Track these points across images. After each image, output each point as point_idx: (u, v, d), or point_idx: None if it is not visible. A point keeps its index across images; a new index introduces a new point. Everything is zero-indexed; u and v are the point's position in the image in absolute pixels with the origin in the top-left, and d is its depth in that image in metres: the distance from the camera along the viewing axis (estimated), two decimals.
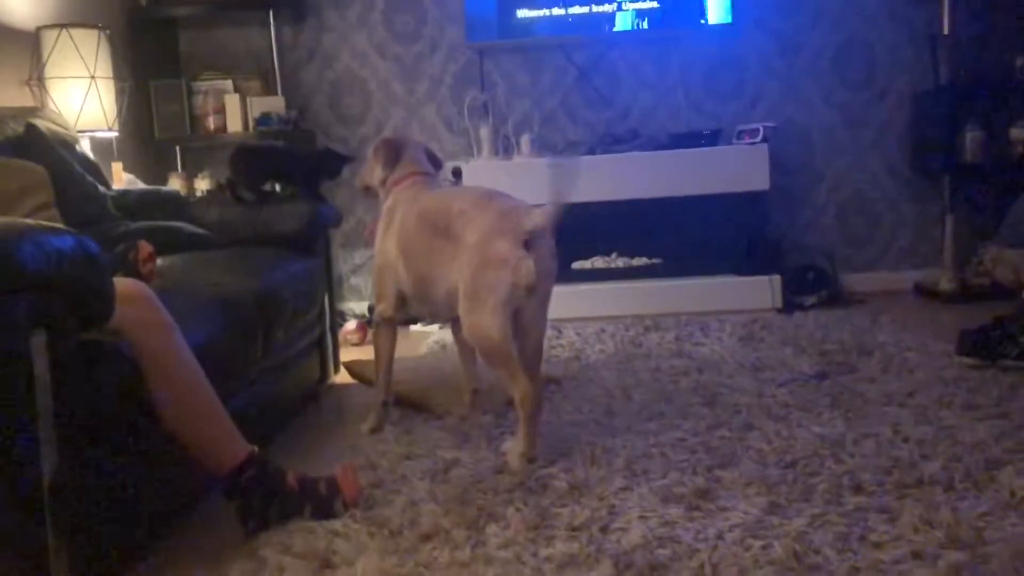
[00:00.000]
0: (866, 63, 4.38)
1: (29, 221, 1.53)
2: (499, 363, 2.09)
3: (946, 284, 4.10)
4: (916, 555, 1.53)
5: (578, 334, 3.57)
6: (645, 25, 4.25)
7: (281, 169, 3.19)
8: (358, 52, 4.52)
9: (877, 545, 1.58)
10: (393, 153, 2.56)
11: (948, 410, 2.30)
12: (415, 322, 4.07)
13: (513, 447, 2.13)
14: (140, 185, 3.40)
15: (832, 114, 4.41)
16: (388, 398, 2.56)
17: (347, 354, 3.44)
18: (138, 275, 2.03)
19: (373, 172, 2.60)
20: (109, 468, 1.63)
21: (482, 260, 2.07)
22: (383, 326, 2.52)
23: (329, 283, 3.20)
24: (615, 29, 4.25)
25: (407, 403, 2.68)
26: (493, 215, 2.11)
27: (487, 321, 2.06)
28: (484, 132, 4.23)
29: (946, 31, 4.11)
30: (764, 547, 1.58)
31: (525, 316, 2.11)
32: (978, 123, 4.05)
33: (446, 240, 2.20)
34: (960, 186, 4.23)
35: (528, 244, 2.05)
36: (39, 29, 3.23)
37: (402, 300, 2.46)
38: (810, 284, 4.12)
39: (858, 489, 1.82)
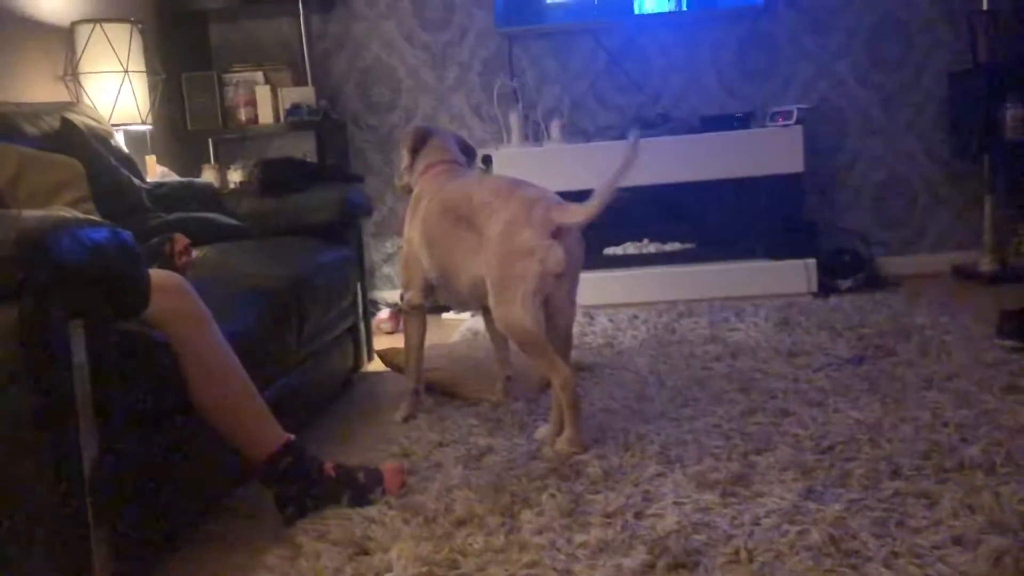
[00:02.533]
0: (901, 41, 4.30)
1: (66, 214, 1.55)
2: (535, 352, 2.09)
3: (986, 265, 4.03)
4: (956, 540, 1.51)
5: (610, 320, 3.56)
6: (675, 7, 4.21)
7: (293, 182, 3.18)
8: (387, 40, 4.52)
9: (916, 530, 1.56)
10: (418, 140, 2.56)
11: (989, 393, 2.26)
12: (447, 310, 4.08)
13: (554, 433, 2.14)
14: (174, 177, 3.43)
15: (867, 94, 4.34)
16: (420, 385, 2.56)
17: (380, 342, 3.46)
18: (173, 267, 2.06)
19: (402, 161, 2.61)
20: (148, 457, 1.66)
21: (508, 251, 2.07)
22: (412, 314, 2.53)
23: (361, 272, 3.22)
24: (645, 12, 4.21)
25: (440, 390, 2.69)
26: (517, 205, 2.10)
27: (518, 312, 2.06)
28: (514, 119, 4.22)
29: (984, 7, 4.02)
30: (801, 533, 1.57)
31: (554, 303, 2.11)
32: (1018, 100, 3.96)
33: (469, 231, 2.20)
34: (1000, 165, 4.14)
35: (556, 232, 2.06)
36: (73, 24, 3.27)
37: (429, 288, 2.47)
38: (846, 267, 4.06)
39: (896, 474, 1.80)
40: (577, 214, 2.06)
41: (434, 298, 2.52)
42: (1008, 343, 2.68)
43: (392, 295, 4.42)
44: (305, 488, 1.83)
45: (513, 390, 2.55)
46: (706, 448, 2.02)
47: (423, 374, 2.58)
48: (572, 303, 2.18)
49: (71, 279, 1.43)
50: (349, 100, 4.57)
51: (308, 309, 2.48)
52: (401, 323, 3.78)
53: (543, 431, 2.21)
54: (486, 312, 2.53)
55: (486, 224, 2.14)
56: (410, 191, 2.60)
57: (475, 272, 2.19)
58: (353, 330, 3.08)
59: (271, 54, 4.49)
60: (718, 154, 3.93)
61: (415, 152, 2.57)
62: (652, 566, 1.50)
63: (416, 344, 2.54)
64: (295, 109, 4.16)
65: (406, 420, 2.49)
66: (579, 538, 1.62)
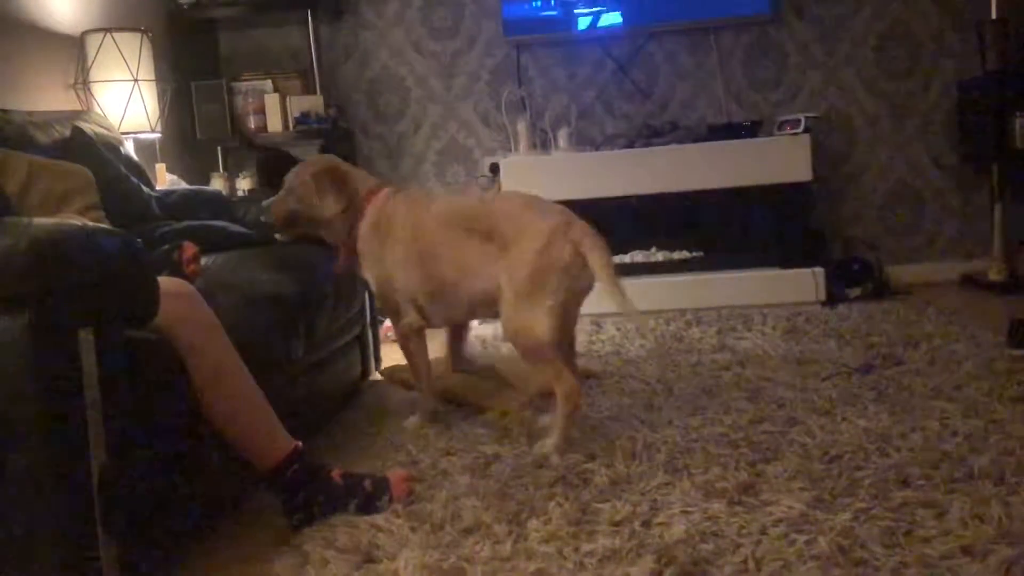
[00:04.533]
0: (910, 50, 4.30)
1: (76, 222, 1.56)
2: (544, 362, 2.14)
3: (995, 274, 4.02)
4: (966, 550, 1.50)
5: (618, 329, 3.55)
6: (683, 16, 4.22)
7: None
8: (396, 49, 4.54)
9: (925, 540, 1.55)
10: (339, 181, 2.45)
11: (998, 403, 2.25)
12: None
13: (547, 440, 2.18)
14: (183, 185, 3.45)
15: (875, 103, 4.34)
16: (437, 404, 2.55)
17: (387, 350, 3.45)
18: (182, 274, 2.06)
19: (321, 204, 2.44)
20: (156, 463, 1.66)
21: (545, 264, 2.11)
22: (413, 337, 2.47)
23: None
24: (651, 20, 4.23)
25: (447, 399, 2.68)
26: (552, 224, 2.15)
27: (540, 322, 2.11)
28: (521, 127, 4.22)
29: (993, 15, 4.02)
30: (808, 542, 1.56)
31: (568, 316, 2.20)
32: None
33: (486, 242, 2.22)
34: (1009, 174, 4.13)
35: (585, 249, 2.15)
36: (84, 34, 3.30)
37: (419, 308, 2.42)
38: (854, 276, 4.05)
39: (905, 483, 1.79)
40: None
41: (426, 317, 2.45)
42: (1018, 352, 2.67)
43: None
44: (312, 495, 1.83)
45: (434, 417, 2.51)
46: (714, 457, 2.02)
47: (434, 386, 2.56)
48: (578, 314, 2.28)
49: (81, 287, 1.44)
50: (357, 109, 4.59)
51: (315, 317, 2.48)
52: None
53: (547, 419, 2.29)
54: (454, 330, 2.52)
55: (517, 236, 2.16)
56: (306, 227, 2.51)
57: (490, 281, 2.21)
58: (360, 338, 3.08)
59: (280, 63, 4.51)
60: (726, 163, 3.93)
61: (342, 191, 2.44)
62: (659, 575, 1.50)
63: (426, 363, 2.50)
64: (304, 118, 4.18)
65: (420, 429, 2.45)
66: (586, 547, 1.62)
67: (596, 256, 2.14)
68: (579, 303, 2.23)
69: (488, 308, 2.32)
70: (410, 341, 2.48)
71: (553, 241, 2.13)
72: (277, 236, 2.53)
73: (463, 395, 2.66)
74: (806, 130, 3.91)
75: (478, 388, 2.66)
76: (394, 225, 2.39)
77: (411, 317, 2.43)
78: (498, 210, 2.23)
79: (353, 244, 2.46)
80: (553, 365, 2.13)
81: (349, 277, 2.89)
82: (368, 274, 2.47)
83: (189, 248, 2.16)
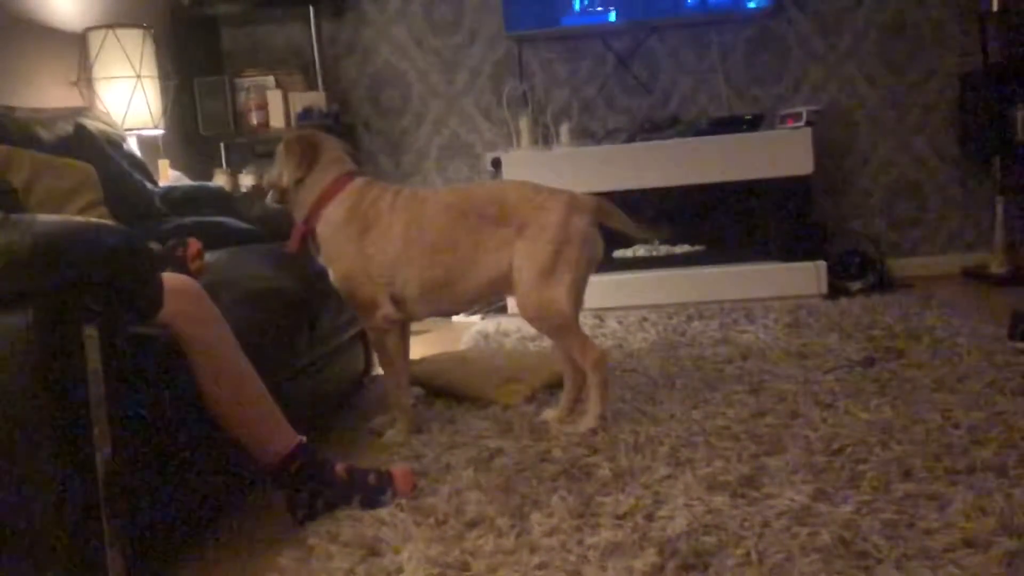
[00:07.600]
0: (911, 43, 4.29)
1: (80, 219, 1.57)
2: (568, 334, 2.23)
3: (997, 267, 4.03)
4: (968, 542, 1.50)
5: (620, 323, 3.56)
6: (684, 9, 4.21)
7: None
8: (397, 45, 4.54)
9: (927, 532, 1.55)
10: (309, 151, 2.35)
11: (1001, 395, 2.26)
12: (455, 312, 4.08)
13: (561, 417, 2.27)
14: (186, 182, 3.45)
15: (877, 96, 4.34)
16: (410, 401, 2.45)
17: None
18: (186, 270, 2.07)
19: (284, 171, 2.37)
20: (161, 458, 1.67)
21: (566, 236, 2.21)
22: (392, 332, 2.37)
23: None
24: (654, 14, 4.22)
25: (449, 394, 2.69)
26: (567, 198, 2.25)
27: (564, 295, 2.20)
28: (523, 122, 4.23)
29: (995, 8, 4.01)
30: (811, 534, 1.56)
31: (583, 287, 2.30)
32: None
33: (501, 227, 2.25)
34: (1011, 166, 4.13)
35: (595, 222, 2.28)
36: (86, 30, 3.30)
37: (395, 302, 2.33)
38: (856, 269, 4.06)
39: (907, 476, 1.80)
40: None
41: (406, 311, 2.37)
42: (1020, 345, 2.67)
43: None
44: (317, 490, 1.84)
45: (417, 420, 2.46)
46: (716, 450, 2.02)
47: (409, 389, 2.48)
48: (584, 291, 2.36)
49: (85, 283, 1.44)
50: (360, 104, 4.59)
51: (319, 311, 2.49)
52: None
53: (549, 413, 2.34)
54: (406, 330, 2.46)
55: (534, 215, 2.22)
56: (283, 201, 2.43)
57: (498, 268, 2.25)
58: (363, 333, 3.08)
59: (282, 59, 4.51)
60: (727, 157, 3.94)
61: (307, 164, 2.35)
62: (662, 568, 1.50)
63: (401, 358, 2.41)
64: (306, 113, 4.19)
65: (401, 445, 2.31)
66: (589, 540, 1.62)
67: (615, 215, 2.32)
68: (589, 275, 2.29)
69: (493, 295, 2.39)
70: (389, 336, 2.37)
71: (571, 213, 2.22)
72: (284, 249, 2.45)
73: (465, 389, 2.67)
74: (807, 123, 3.91)
75: (481, 382, 2.66)
76: (379, 217, 2.30)
77: (388, 309, 2.32)
78: (509, 196, 2.27)
79: (311, 228, 2.37)
80: (578, 336, 2.23)
81: None
82: (332, 264, 2.35)
83: (193, 244, 2.17)
